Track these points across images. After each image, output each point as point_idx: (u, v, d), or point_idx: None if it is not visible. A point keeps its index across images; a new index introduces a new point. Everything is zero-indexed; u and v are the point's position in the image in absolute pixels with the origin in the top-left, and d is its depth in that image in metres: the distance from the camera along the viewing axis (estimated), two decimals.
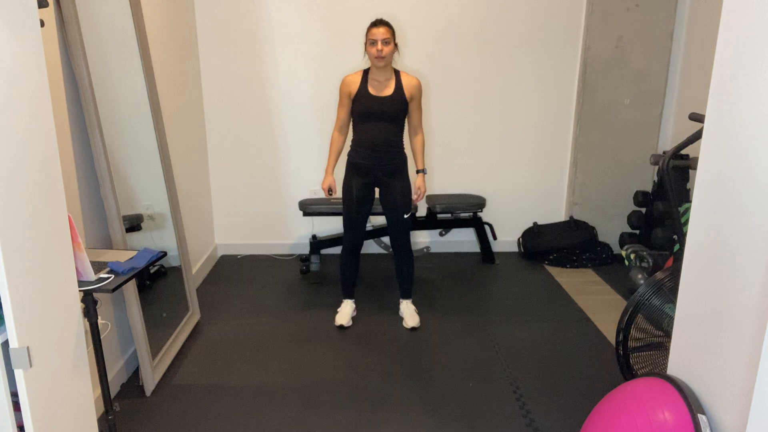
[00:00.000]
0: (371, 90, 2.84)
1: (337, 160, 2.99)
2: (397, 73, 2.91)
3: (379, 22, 2.78)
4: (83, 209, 2.26)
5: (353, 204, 2.95)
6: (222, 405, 2.38)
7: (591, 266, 4.03)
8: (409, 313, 3.11)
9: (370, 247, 4.31)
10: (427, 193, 4.19)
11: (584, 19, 3.92)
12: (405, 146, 2.99)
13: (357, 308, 3.32)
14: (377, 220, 4.19)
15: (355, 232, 2.99)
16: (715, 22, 3.61)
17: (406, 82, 2.88)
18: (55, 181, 1.50)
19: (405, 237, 3.01)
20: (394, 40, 2.81)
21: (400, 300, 3.18)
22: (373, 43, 2.76)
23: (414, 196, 3.00)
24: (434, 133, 4.11)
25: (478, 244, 4.34)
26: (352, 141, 2.95)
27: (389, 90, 2.85)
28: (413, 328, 3.06)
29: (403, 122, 2.93)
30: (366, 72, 2.89)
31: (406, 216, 2.97)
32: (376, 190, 3.04)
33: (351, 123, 2.97)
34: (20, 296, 1.33)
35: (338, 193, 4.20)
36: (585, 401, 2.41)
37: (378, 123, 2.85)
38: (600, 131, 4.07)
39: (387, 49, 2.76)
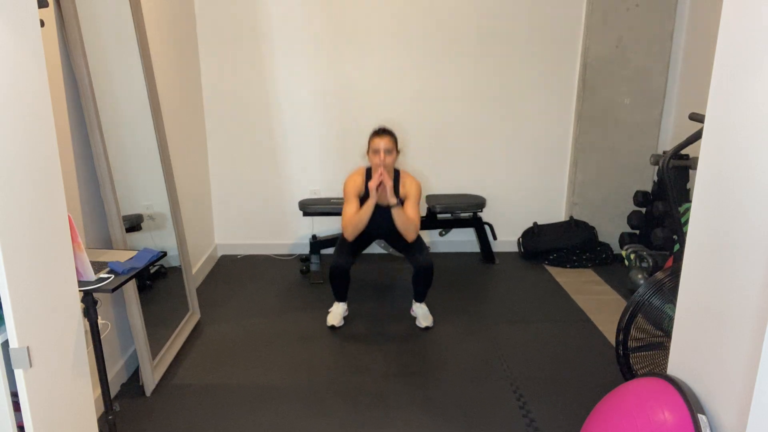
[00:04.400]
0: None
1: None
2: (397, 174, 3.01)
3: (381, 132, 2.89)
4: (83, 209, 2.26)
5: (348, 242, 3.02)
6: (222, 405, 2.38)
7: (591, 266, 4.03)
8: (422, 312, 3.11)
9: (369, 247, 4.31)
10: (427, 194, 4.19)
11: (584, 19, 3.92)
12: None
13: (356, 308, 3.31)
14: None
15: (346, 257, 2.98)
16: (715, 22, 3.61)
17: (404, 183, 2.99)
18: (55, 181, 1.50)
19: (426, 256, 2.97)
20: (396, 148, 2.91)
21: (413, 301, 3.18)
22: (376, 152, 2.86)
23: (382, 179, 2.82)
24: (434, 133, 4.11)
25: (478, 244, 4.34)
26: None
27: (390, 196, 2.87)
28: (427, 327, 3.06)
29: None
30: (368, 172, 3.01)
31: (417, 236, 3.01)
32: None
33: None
34: (20, 296, 1.33)
35: (337, 195, 4.20)
36: (585, 401, 2.41)
37: (379, 213, 2.95)
38: (600, 131, 4.07)
39: (389, 159, 2.87)
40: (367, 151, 2.94)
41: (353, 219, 2.89)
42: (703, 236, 1.60)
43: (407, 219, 2.88)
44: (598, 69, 3.95)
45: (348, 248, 3.02)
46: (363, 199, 2.96)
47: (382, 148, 2.84)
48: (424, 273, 2.98)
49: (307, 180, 4.17)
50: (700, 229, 1.61)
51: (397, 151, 2.93)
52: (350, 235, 2.92)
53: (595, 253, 4.08)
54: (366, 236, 3.11)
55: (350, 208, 2.94)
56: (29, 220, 1.38)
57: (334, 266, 2.97)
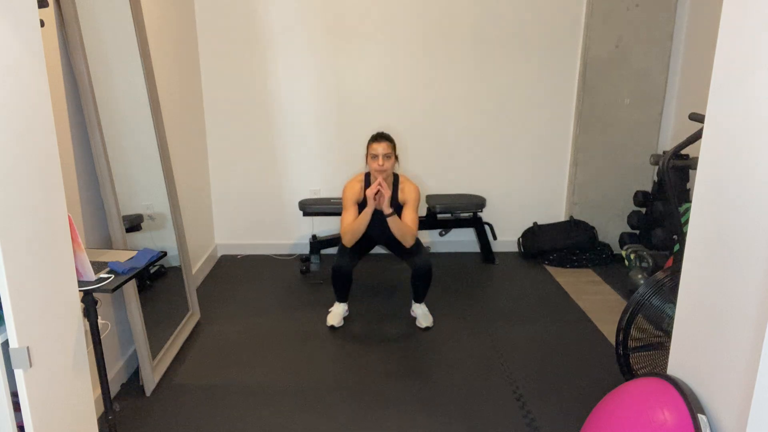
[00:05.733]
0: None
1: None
2: (396, 179, 3.01)
3: (380, 137, 2.89)
4: (83, 209, 2.26)
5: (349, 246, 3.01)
6: (222, 405, 2.38)
7: (591, 266, 4.03)
8: (422, 313, 3.11)
9: None
10: (427, 194, 4.19)
11: (584, 19, 3.92)
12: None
13: (357, 308, 3.31)
14: None
15: (348, 259, 2.99)
16: (715, 22, 3.61)
17: (403, 188, 2.99)
18: (55, 181, 1.50)
19: (423, 258, 2.97)
20: (395, 153, 2.91)
21: (413, 302, 3.18)
22: (375, 157, 2.87)
23: (378, 189, 2.82)
24: (434, 133, 4.11)
25: (478, 244, 4.34)
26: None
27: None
28: (427, 328, 3.06)
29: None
30: (367, 176, 3.00)
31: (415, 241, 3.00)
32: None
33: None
34: (20, 296, 1.33)
35: (336, 196, 4.20)
36: (585, 401, 2.41)
37: (378, 220, 2.95)
38: (600, 131, 4.07)
39: (388, 164, 2.87)
40: (366, 156, 2.95)
41: (351, 226, 2.89)
42: (703, 236, 1.60)
43: (404, 227, 2.88)
44: (598, 69, 3.95)
45: (350, 250, 3.03)
46: (362, 205, 2.97)
47: (381, 153, 2.85)
48: (422, 274, 2.98)
49: (307, 180, 4.17)
50: (700, 229, 1.61)
51: (396, 157, 2.94)
52: (348, 242, 2.93)
53: (595, 253, 4.08)
54: (366, 241, 3.11)
55: (348, 215, 2.95)
56: (29, 220, 1.38)
57: (336, 268, 2.97)
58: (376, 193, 2.82)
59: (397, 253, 3.11)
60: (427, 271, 2.97)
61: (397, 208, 2.98)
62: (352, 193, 2.97)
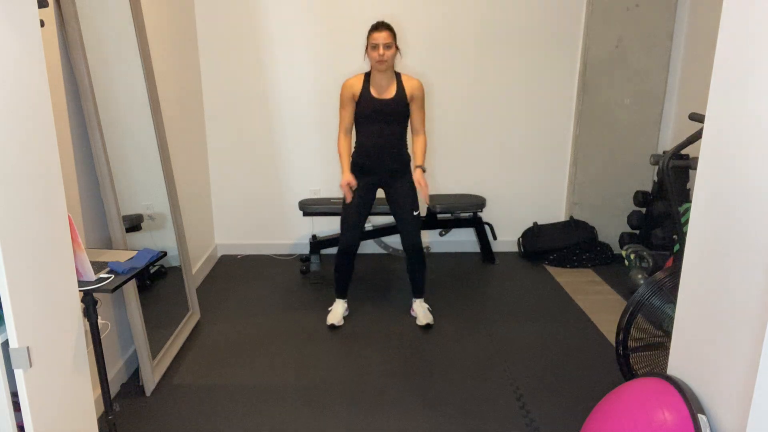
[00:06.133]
0: (373, 92, 2.85)
1: (350, 160, 2.95)
2: (398, 75, 2.91)
3: (380, 26, 2.76)
4: (83, 209, 2.26)
5: (352, 203, 2.94)
6: (222, 405, 2.38)
7: (591, 266, 4.03)
8: (421, 311, 3.11)
9: (370, 247, 4.31)
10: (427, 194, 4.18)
11: (584, 19, 3.92)
12: (408, 147, 3.00)
13: (357, 308, 3.32)
14: (377, 220, 4.19)
15: (353, 232, 2.98)
16: (715, 22, 3.61)
17: (407, 83, 2.89)
18: (55, 181, 1.50)
19: (417, 237, 3.00)
20: (396, 43, 2.81)
21: (413, 299, 3.18)
22: (375, 47, 2.76)
23: (420, 193, 2.92)
24: (435, 134, 4.11)
25: (478, 244, 4.34)
26: (356, 143, 2.96)
27: (391, 92, 2.85)
28: (427, 326, 3.07)
29: (406, 124, 2.94)
30: (367, 75, 2.90)
31: (415, 213, 2.97)
32: (378, 191, 3.04)
33: (354, 125, 2.96)
34: (20, 296, 1.33)
35: (337, 196, 4.20)
36: (585, 401, 2.41)
37: (381, 125, 2.87)
38: (600, 131, 4.07)
39: (388, 53, 2.76)
40: (366, 48, 2.83)
41: (340, 145, 2.92)
42: (703, 236, 1.60)
43: (424, 145, 2.95)
44: (598, 69, 3.94)
45: (353, 217, 2.95)
46: (360, 101, 2.87)
47: (381, 42, 2.74)
48: (413, 254, 3.00)
49: (307, 180, 4.17)
50: (700, 229, 1.61)
51: (397, 47, 2.83)
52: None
53: (595, 253, 4.08)
54: (366, 187, 2.97)
55: (345, 113, 2.91)
56: (29, 220, 1.38)
57: (342, 247, 2.99)
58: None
59: (393, 210, 3.01)
60: (417, 250, 3.00)
61: (405, 104, 2.88)
62: (349, 89, 2.87)
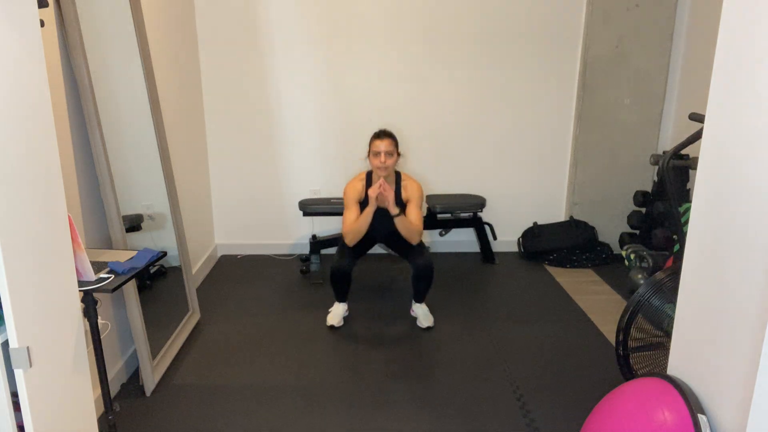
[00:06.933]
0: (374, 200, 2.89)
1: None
2: (398, 177, 3.00)
3: (382, 134, 2.89)
4: (83, 209, 2.26)
5: (349, 245, 3.01)
6: (222, 405, 2.38)
7: (591, 266, 4.03)
8: (422, 312, 3.11)
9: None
10: (427, 194, 4.18)
11: (584, 19, 3.92)
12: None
13: (357, 308, 3.32)
14: None
15: (348, 259, 2.98)
16: (715, 22, 3.61)
17: (405, 186, 2.99)
18: (55, 181, 1.50)
19: (425, 257, 2.96)
20: (397, 150, 2.91)
21: (413, 301, 3.18)
22: (377, 154, 2.86)
23: (382, 189, 2.82)
24: (435, 133, 4.11)
25: (478, 244, 4.34)
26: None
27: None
28: (428, 327, 3.06)
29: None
30: (368, 176, 2.99)
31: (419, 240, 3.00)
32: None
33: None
34: (20, 296, 1.33)
35: (337, 195, 4.20)
36: (585, 401, 2.41)
37: (380, 225, 2.98)
38: (600, 131, 4.07)
39: (390, 161, 2.87)
40: (368, 154, 2.94)
41: (353, 226, 2.89)
42: (703, 236, 1.60)
43: (411, 225, 2.89)
44: (598, 69, 3.94)
45: (349, 251, 3.02)
46: (363, 204, 2.96)
47: (383, 150, 2.85)
48: (424, 273, 2.97)
49: (307, 180, 4.17)
50: (700, 229, 1.61)
51: (398, 154, 2.94)
52: (351, 242, 2.93)
53: (595, 253, 4.08)
54: (367, 240, 3.11)
55: (350, 215, 2.94)
56: (29, 220, 1.38)
57: (335, 269, 2.97)
58: (378, 193, 2.82)
59: (397, 252, 3.11)
60: (428, 270, 2.96)
61: (400, 206, 2.97)
62: (353, 191, 2.97)
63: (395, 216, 2.84)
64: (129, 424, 2.25)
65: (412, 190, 2.98)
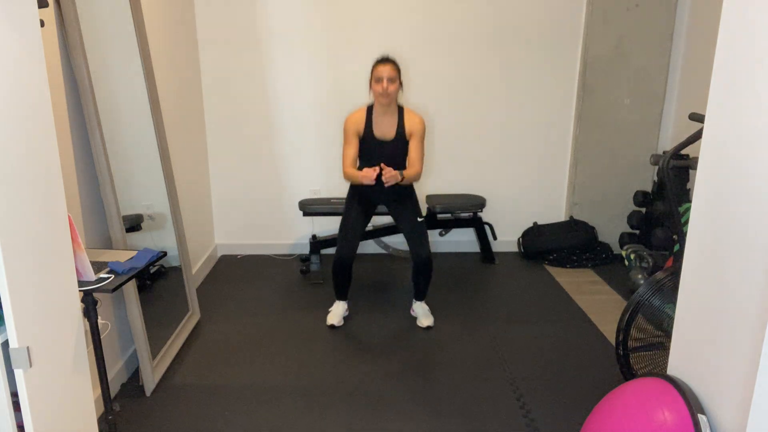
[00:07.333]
0: (376, 133, 2.87)
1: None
2: (401, 110, 2.91)
3: (385, 60, 2.79)
4: (83, 209, 2.26)
5: (351, 219, 2.98)
6: (222, 405, 2.38)
7: (591, 266, 4.03)
8: (422, 312, 3.11)
9: (369, 247, 4.31)
10: (427, 193, 4.18)
11: (584, 19, 3.92)
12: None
13: (356, 308, 3.32)
14: (377, 220, 4.19)
15: (349, 243, 2.97)
16: (715, 22, 3.61)
17: (408, 120, 2.89)
18: (55, 181, 1.50)
19: (426, 247, 2.95)
20: (400, 78, 2.82)
21: (413, 300, 3.18)
22: (379, 80, 2.76)
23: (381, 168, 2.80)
24: (435, 134, 4.11)
25: (478, 244, 4.34)
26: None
27: (392, 132, 2.87)
28: (428, 327, 3.06)
29: (405, 161, 2.96)
30: (369, 110, 2.90)
31: (420, 219, 2.97)
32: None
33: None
34: (20, 296, 1.33)
35: (338, 195, 4.20)
36: (585, 401, 2.41)
37: (379, 185, 2.91)
38: (600, 131, 4.07)
39: (392, 87, 2.77)
40: (370, 81, 2.83)
41: (349, 175, 2.84)
42: (703, 236, 1.60)
43: (414, 174, 2.86)
44: (598, 69, 3.94)
45: (351, 230, 2.96)
46: (362, 139, 2.87)
47: (386, 76, 2.74)
48: (423, 266, 2.97)
49: (307, 180, 4.17)
50: (700, 229, 1.61)
51: (401, 82, 2.83)
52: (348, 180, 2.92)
53: (595, 253, 4.08)
54: (367, 204, 3.00)
55: (349, 150, 2.87)
56: (29, 220, 1.38)
57: (338, 258, 2.96)
58: (378, 176, 2.74)
59: (399, 225, 3.01)
60: (427, 262, 2.96)
61: (403, 140, 2.88)
62: (352, 124, 2.86)
63: (400, 181, 2.79)
64: (129, 424, 2.25)
65: (414, 124, 2.88)
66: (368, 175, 2.72)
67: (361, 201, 2.99)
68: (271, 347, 2.87)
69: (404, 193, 2.98)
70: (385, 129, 2.87)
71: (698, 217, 1.62)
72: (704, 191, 1.59)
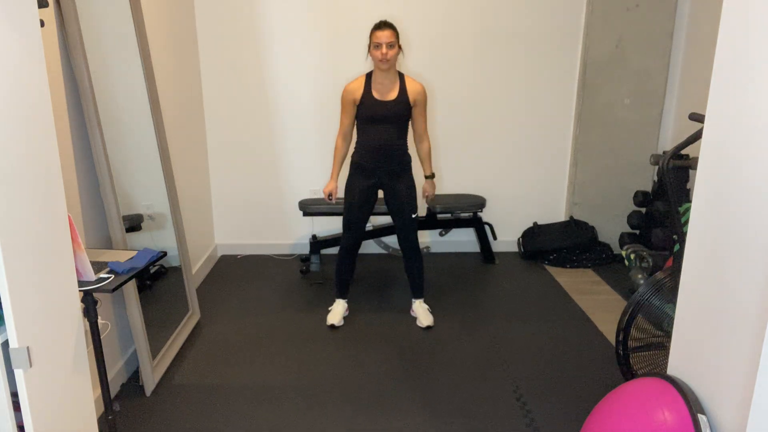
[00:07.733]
0: (375, 94, 2.84)
1: (341, 166, 2.99)
2: (401, 76, 2.90)
3: (383, 25, 2.76)
4: (83, 209, 2.26)
5: (355, 205, 2.95)
6: (222, 405, 2.38)
7: (591, 266, 4.03)
8: (422, 312, 3.11)
9: (370, 247, 4.31)
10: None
11: (584, 19, 3.92)
12: (409, 147, 3.00)
13: (357, 308, 3.32)
14: (377, 220, 4.19)
15: (354, 233, 3.00)
16: (715, 22, 3.61)
17: (410, 86, 2.88)
18: (55, 181, 1.50)
19: (413, 237, 3.02)
20: (399, 42, 2.80)
21: (412, 300, 3.18)
22: (378, 46, 2.75)
23: (423, 197, 3.11)
24: (435, 134, 4.11)
25: (478, 244, 4.34)
26: (357, 143, 2.96)
27: (393, 93, 2.85)
28: (428, 327, 3.07)
29: (407, 125, 2.94)
30: (369, 76, 2.89)
31: (414, 216, 2.98)
32: (379, 192, 3.04)
33: (355, 126, 2.97)
34: (20, 296, 1.33)
35: (339, 196, 4.20)
36: (585, 401, 2.41)
37: (382, 126, 2.86)
38: (600, 131, 4.07)
39: (391, 53, 2.75)
40: (368, 47, 2.82)
41: (337, 145, 2.97)
42: (702, 236, 1.60)
43: (428, 149, 3.03)
44: (598, 69, 3.94)
45: (356, 218, 2.97)
46: (361, 103, 2.86)
47: (384, 41, 2.72)
48: (411, 253, 3.03)
49: (307, 180, 4.17)
50: (700, 229, 1.61)
51: (400, 47, 2.82)
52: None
53: (595, 253, 4.08)
54: (367, 188, 2.96)
55: (345, 118, 2.92)
56: (29, 220, 1.38)
57: (345, 244, 3.02)
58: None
59: (391, 208, 3.01)
60: (414, 248, 3.02)
61: (407, 107, 2.87)
62: (348, 93, 2.87)
63: (431, 177, 3.08)
64: (129, 424, 2.25)
65: (418, 92, 2.87)
66: (325, 192, 2.98)
67: (361, 185, 2.95)
68: (271, 347, 2.87)
69: (402, 171, 2.96)
70: (385, 91, 2.85)
71: (698, 217, 1.62)
72: (704, 191, 1.59)
